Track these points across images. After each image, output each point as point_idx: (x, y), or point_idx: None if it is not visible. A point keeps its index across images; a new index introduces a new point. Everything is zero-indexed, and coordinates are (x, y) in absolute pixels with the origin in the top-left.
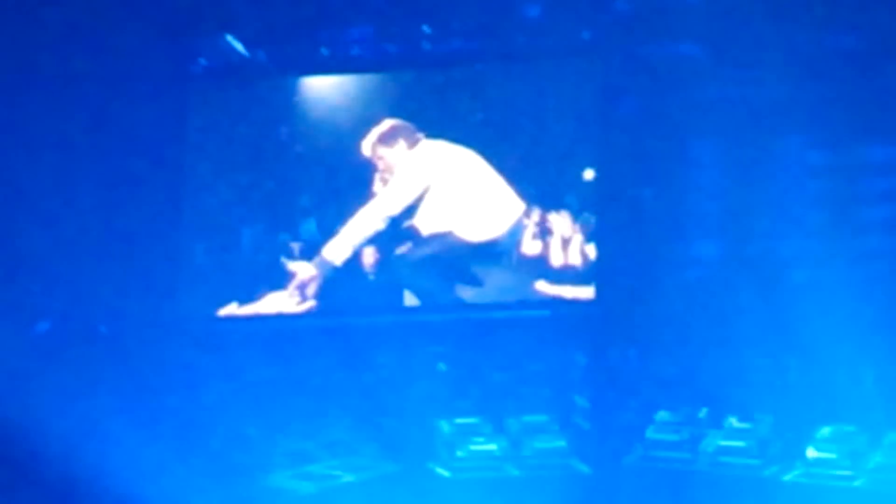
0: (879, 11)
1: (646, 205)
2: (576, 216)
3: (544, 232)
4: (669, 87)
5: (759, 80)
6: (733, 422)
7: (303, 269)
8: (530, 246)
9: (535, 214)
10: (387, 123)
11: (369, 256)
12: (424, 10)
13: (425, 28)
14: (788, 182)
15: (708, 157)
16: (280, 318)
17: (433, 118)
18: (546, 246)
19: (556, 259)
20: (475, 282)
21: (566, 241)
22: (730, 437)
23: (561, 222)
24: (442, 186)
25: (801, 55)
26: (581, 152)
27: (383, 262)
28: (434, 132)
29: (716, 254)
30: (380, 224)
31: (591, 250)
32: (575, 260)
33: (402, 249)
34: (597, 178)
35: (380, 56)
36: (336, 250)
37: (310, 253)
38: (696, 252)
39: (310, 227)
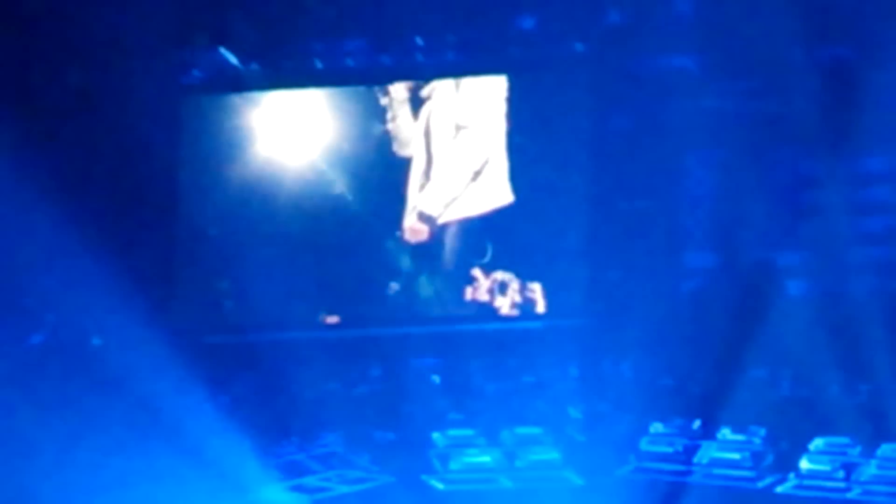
0: (871, 22)
1: (639, 216)
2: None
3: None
4: (663, 98)
5: (751, 91)
6: (727, 433)
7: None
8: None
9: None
10: None
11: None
12: (418, 22)
13: (419, 40)
14: (782, 193)
15: (701, 168)
16: (272, 330)
17: None
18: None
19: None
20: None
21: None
22: (723, 449)
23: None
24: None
25: (794, 66)
26: (574, 164)
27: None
28: None
29: (709, 265)
30: (477, 163)
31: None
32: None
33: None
34: (591, 190)
35: (374, 68)
36: (435, 202)
37: (308, 264)
38: (689, 263)
39: (305, 237)
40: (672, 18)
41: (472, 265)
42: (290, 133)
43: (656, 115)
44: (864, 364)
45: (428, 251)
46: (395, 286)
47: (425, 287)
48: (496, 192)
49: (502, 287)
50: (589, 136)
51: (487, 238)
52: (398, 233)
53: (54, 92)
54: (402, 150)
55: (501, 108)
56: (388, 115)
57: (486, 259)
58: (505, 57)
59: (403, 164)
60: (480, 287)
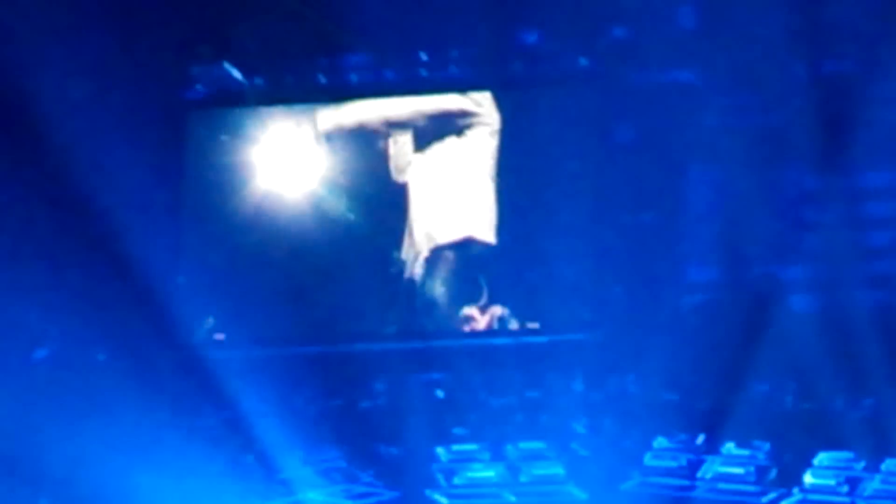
0: (873, 37)
1: (643, 231)
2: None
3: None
4: (667, 113)
5: (755, 106)
6: (731, 448)
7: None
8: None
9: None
10: None
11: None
12: (422, 37)
13: (423, 55)
14: (785, 208)
15: (705, 183)
16: (277, 345)
17: None
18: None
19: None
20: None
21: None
22: (728, 464)
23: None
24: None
25: (797, 81)
26: (578, 178)
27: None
28: None
29: (714, 280)
30: (381, 115)
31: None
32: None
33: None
34: (594, 205)
35: (378, 83)
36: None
37: (311, 281)
38: (693, 278)
39: (307, 255)
40: (676, 33)
41: (466, 305)
42: (292, 151)
43: (660, 129)
44: (868, 378)
45: (425, 283)
46: (391, 316)
47: (424, 319)
48: (490, 224)
49: (501, 322)
50: (593, 150)
51: (481, 276)
52: (395, 256)
53: (58, 106)
54: (400, 177)
55: (503, 128)
56: (390, 140)
57: (483, 301)
58: (508, 72)
59: (402, 190)
60: (478, 324)
